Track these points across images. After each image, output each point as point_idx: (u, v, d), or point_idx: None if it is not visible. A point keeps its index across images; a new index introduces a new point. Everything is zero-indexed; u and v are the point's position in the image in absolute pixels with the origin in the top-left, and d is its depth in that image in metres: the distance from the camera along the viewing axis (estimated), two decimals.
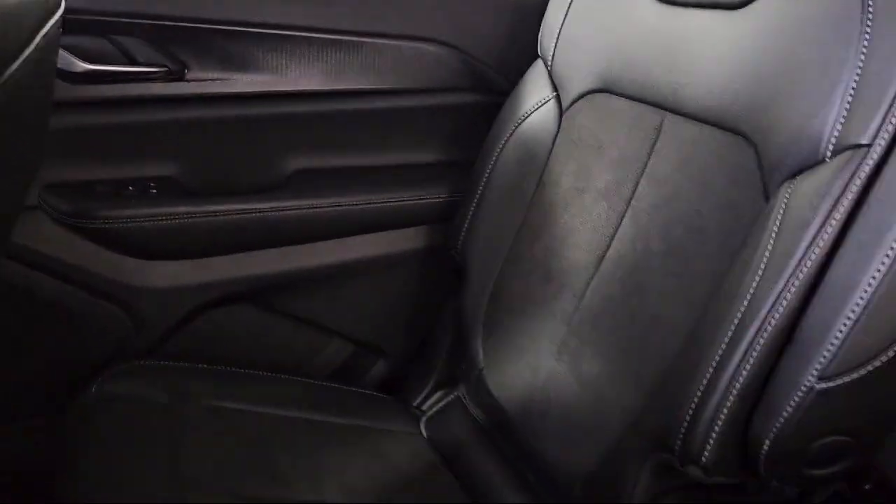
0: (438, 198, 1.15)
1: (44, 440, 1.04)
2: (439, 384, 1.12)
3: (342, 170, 1.14)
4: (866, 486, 0.88)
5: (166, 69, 0.98)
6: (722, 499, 0.73)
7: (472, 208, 1.06)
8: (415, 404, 1.12)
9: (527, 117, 1.02)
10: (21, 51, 0.59)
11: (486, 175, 1.05)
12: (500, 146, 1.04)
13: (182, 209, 1.02)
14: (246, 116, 1.06)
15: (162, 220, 1.01)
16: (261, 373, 1.06)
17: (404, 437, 1.04)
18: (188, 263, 1.06)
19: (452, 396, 1.09)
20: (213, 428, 0.90)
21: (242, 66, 1.02)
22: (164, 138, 1.03)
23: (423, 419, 1.08)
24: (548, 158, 0.98)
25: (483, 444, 1.01)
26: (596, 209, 0.90)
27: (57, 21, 0.69)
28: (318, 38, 1.04)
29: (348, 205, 1.10)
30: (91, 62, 0.93)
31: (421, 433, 1.06)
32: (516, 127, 1.03)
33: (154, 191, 1.02)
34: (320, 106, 1.09)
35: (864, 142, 0.61)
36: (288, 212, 1.08)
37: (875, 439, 0.66)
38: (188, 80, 1.00)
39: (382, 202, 1.13)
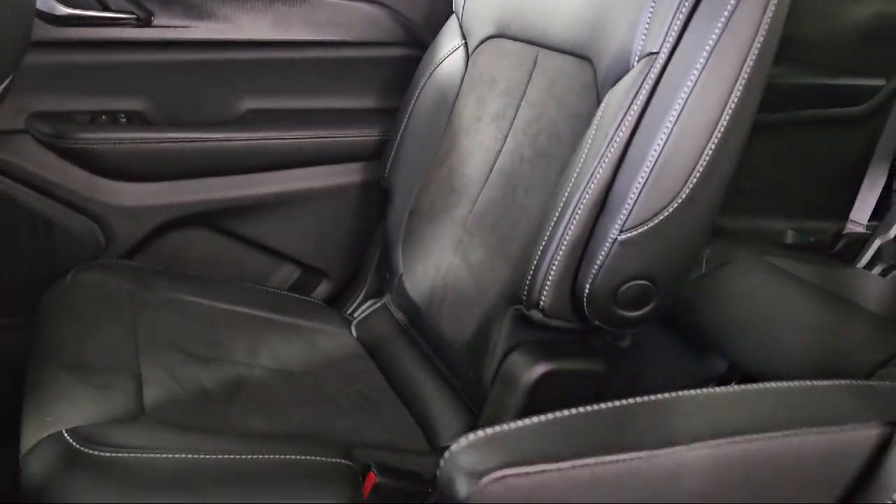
0: (371, 137, 1.33)
1: (21, 336, 1.20)
2: (368, 295, 1.30)
3: (288, 111, 1.32)
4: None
5: (135, 16, 1.17)
6: (566, 347, 0.91)
7: (397, 142, 1.25)
8: (348, 312, 1.30)
9: (441, 63, 1.21)
10: None
11: (408, 113, 1.24)
12: (420, 88, 1.23)
13: (148, 135, 1.20)
14: (204, 60, 1.25)
15: (130, 144, 1.19)
16: (216, 278, 1.24)
17: (335, 335, 1.22)
18: (153, 186, 1.25)
19: (379, 304, 1.27)
20: (169, 311, 1.08)
21: (202, 15, 1.21)
22: (133, 77, 1.22)
23: (354, 323, 1.27)
24: (456, 95, 1.17)
25: (402, 339, 1.19)
26: (488, 132, 1.09)
27: None
28: None
29: (293, 139, 1.29)
30: (69, 7, 1.12)
31: (351, 333, 1.24)
32: (433, 71, 1.22)
33: (124, 120, 1.20)
34: (269, 53, 1.28)
35: (654, 50, 0.80)
36: (240, 142, 1.26)
37: (668, 285, 0.85)
38: (154, 27, 1.19)
39: (323, 138, 1.31)
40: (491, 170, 1.06)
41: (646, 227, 0.80)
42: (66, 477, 0.73)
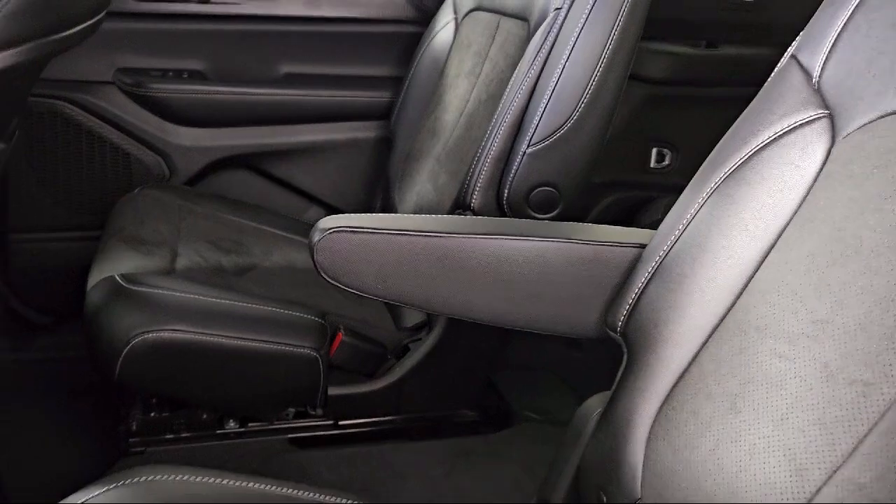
0: (382, 99, 1.60)
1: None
2: None
3: (317, 75, 1.62)
4: None
5: None
6: None
7: (400, 101, 1.52)
8: None
9: (437, 33, 1.48)
10: None
11: (409, 77, 1.51)
12: (420, 55, 1.50)
13: (204, 89, 1.52)
14: (250, 31, 1.56)
15: (191, 95, 1.51)
16: (252, 203, 1.54)
17: None
18: (206, 131, 1.56)
19: None
20: (207, 219, 1.38)
21: None
22: (195, 43, 1.54)
23: None
24: (446, 59, 1.43)
25: None
26: (462, 85, 1.34)
27: None
28: None
29: (319, 97, 1.58)
30: None
31: None
32: (430, 40, 1.49)
33: (186, 77, 1.53)
34: (302, 27, 1.58)
35: (558, 6, 1.04)
36: (277, 98, 1.57)
37: (569, 192, 1.07)
38: (212, 3, 1.51)
39: (344, 98, 1.60)
40: (461, 115, 1.32)
41: (548, 142, 1.03)
42: (113, 303, 1.03)
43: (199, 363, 1.03)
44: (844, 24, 0.68)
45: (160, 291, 1.05)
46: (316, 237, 0.69)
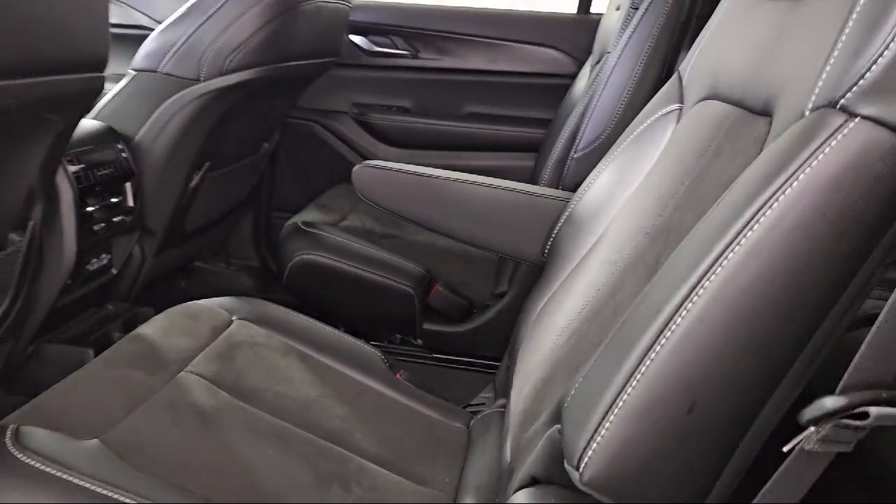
0: (533, 134, 2.01)
1: None
2: None
3: (492, 115, 2.09)
4: None
5: (410, 52, 2.07)
6: None
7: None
8: None
9: (573, 84, 1.86)
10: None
11: (553, 115, 1.91)
12: (563, 101, 1.89)
13: (409, 120, 2.08)
14: (446, 79, 2.09)
15: (398, 124, 2.08)
16: None
17: None
18: (406, 151, 2.11)
19: None
20: None
21: (445, 52, 2.06)
22: (405, 86, 2.12)
23: None
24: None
25: None
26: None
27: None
28: (483, 41, 2.04)
29: (492, 131, 2.05)
30: (376, 46, 2.06)
31: None
32: (568, 90, 1.87)
33: (395, 111, 2.11)
34: (483, 78, 2.07)
35: (609, 51, 1.38)
36: (461, 129, 2.07)
37: None
38: (419, 59, 2.08)
39: (510, 132, 2.04)
40: None
41: (588, 149, 1.37)
42: (291, 236, 1.58)
43: (333, 283, 1.53)
44: (708, 35, 0.94)
45: (318, 232, 1.58)
46: (354, 169, 1.14)
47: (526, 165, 2.04)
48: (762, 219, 0.50)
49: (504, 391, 1.04)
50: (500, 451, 0.91)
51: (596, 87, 1.38)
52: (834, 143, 0.49)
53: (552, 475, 0.65)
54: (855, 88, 0.49)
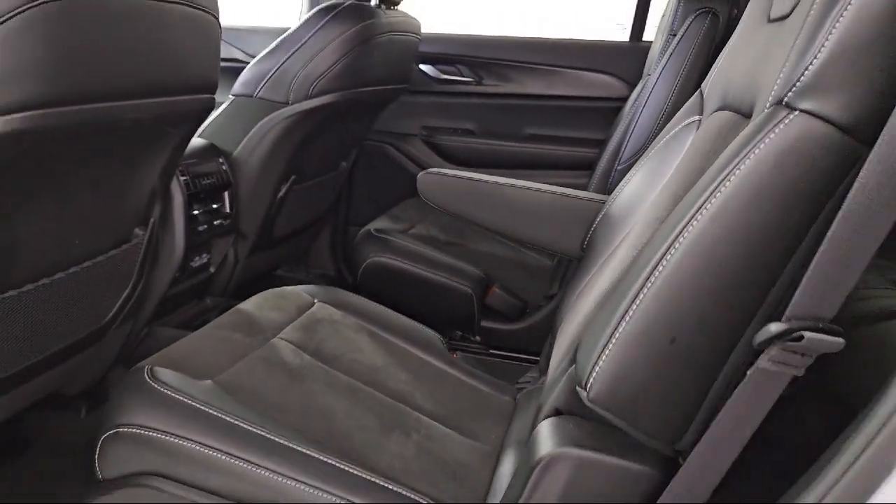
0: (586, 153, 2.17)
1: None
2: None
3: (549, 136, 2.25)
4: None
5: (473, 79, 2.26)
6: None
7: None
8: None
9: (626, 105, 2.01)
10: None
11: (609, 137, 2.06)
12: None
13: (473, 140, 2.27)
14: (506, 104, 2.27)
15: (463, 144, 2.27)
16: None
17: None
18: (471, 171, 2.29)
19: None
20: (447, 217, 2.08)
21: (506, 79, 2.25)
22: (469, 110, 2.31)
23: None
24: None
25: None
26: None
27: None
28: (541, 68, 2.21)
29: (550, 150, 2.21)
30: (443, 74, 2.26)
31: None
32: (620, 112, 2.02)
33: (460, 133, 2.30)
34: (542, 102, 2.24)
35: (650, 73, 1.53)
36: (521, 149, 2.24)
37: None
38: (482, 85, 2.27)
39: (566, 152, 2.20)
40: None
41: (629, 162, 1.51)
42: (365, 240, 1.78)
43: (401, 283, 1.71)
44: (723, 56, 1.08)
45: (389, 237, 1.76)
46: (419, 175, 1.33)
47: (581, 183, 2.19)
48: (718, 193, 0.65)
49: (545, 367, 1.19)
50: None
51: (637, 105, 1.53)
52: (777, 132, 0.63)
53: (572, 407, 0.80)
54: (795, 88, 0.64)
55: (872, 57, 0.62)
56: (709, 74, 1.13)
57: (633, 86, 2.15)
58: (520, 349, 1.74)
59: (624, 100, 2.15)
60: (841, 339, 0.62)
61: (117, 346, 1.44)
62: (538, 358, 1.72)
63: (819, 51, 0.63)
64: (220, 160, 1.62)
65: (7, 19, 0.79)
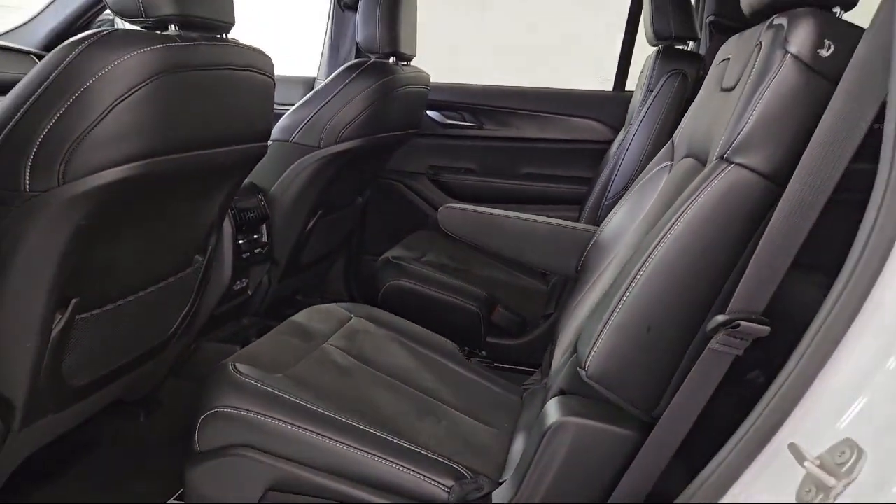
0: (573, 189, 2.42)
1: None
2: None
3: (544, 174, 2.51)
4: None
5: (475, 124, 2.53)
6: None
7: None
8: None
9: (612, 148, 2.28)
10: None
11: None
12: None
13: (473, 178, 2.52)
14: (505, 147, 2.54)
15: (463, 182, 2.53)
16: None
17: None
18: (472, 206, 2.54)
19: None
20: (454, 247, 2.32)
21: (503, 124, 2.52)
22: (470, 152, 2.57)
23: None
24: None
25: None
26: None
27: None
28: (536, 114, 2.48)
29: (543, 188, 2.47)
30: (448, 119, 2.53)
31: None
32: (607, 153, 2.29)
33: (463, 172, 2.56)
34: (536, 144, 2.51)
35: (631, 122, 1.80)
36: (518, 187, 2.49)
37: None
38: (483, 129, 2.54)
39: (557, 189, 2.46)
40: None
41: (616, 198, 1.77)
42: (384, 267, 2.02)
43: (416, 303, 1.94)
44: (689, 113, 1.34)
45: (405, 264, 2.01)
46: (440, 209, 1.57)
47: (571, 216, 2.44)
48: (678, 223, 0.90)
49: (547, 370, 1.42)
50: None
51: (621, 150, 1.79)
52: (718, 179, 0.88)
53: (573, 387, 1.03)
54: (732, 145, 0.89)
55: (786, 122, 0.87)
56: (679, 127, 1.39)
57: (616, 130, 2.42)
58: (521, 362, 1.97)
59: (608, 142, 2.42)
60: (767, 328, 0.86)
61: (173, 358, 1.66)
62: (537, 369, 1.96)
63: (749, 118, 0.88)
64: (260, 196, 1.86)
65: (138, 89, 1.03)
